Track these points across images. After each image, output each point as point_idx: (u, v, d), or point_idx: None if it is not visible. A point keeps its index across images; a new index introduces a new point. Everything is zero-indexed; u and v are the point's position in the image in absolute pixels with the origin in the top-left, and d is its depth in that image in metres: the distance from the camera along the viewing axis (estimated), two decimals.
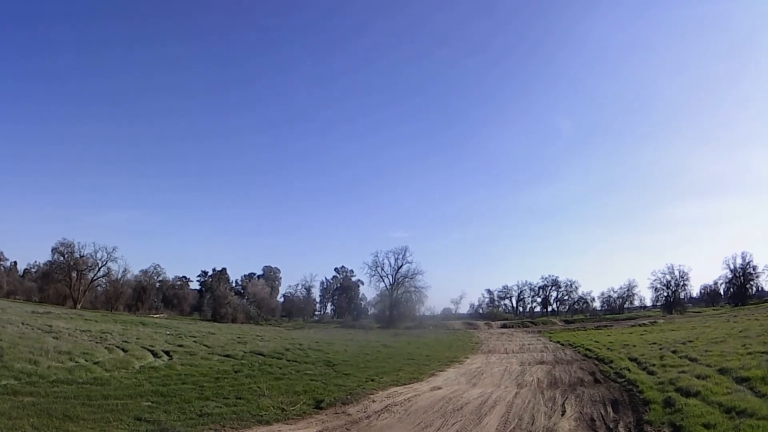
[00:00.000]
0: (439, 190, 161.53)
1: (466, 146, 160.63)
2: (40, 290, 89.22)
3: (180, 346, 24.06)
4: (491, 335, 54.94)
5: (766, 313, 48.19)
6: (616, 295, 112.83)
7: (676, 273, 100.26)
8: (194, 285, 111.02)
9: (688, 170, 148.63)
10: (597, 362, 22.44)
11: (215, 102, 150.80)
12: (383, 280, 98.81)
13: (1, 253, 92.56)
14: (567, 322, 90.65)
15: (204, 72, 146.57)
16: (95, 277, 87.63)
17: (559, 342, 37.70)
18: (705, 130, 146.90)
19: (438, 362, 24.78)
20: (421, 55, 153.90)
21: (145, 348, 21.83)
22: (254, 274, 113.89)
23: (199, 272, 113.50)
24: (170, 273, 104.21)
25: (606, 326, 59.88)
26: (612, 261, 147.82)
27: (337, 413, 12.54)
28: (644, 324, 57.47)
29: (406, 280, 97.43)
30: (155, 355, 20.55)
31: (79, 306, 79.17)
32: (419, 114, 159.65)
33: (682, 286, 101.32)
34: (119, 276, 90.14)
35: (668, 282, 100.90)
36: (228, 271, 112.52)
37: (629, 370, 18.18)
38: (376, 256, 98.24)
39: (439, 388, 16.74)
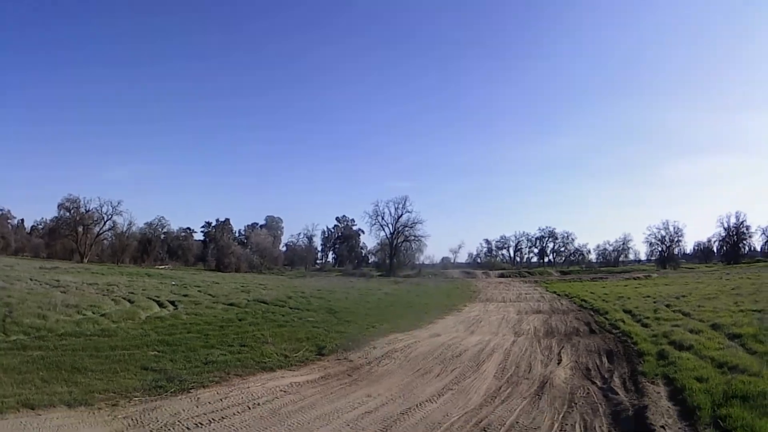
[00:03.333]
0: (440, 144, 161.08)
1: (467, 101, 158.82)
2: (47, 246, 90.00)
3: (185, 295, 24.17)
4: (489, 284, 55.74)
5: (757, 272, 49.08)
6: (611, 248, 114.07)
7: (671, 229, 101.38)
8: (198, 236, 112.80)
9: (689, 129, 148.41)
10: (592, 313, 22.80)
11: (219, 62, 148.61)
12: (383, 229, 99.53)
13: (9, 211, 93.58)
14: (563, 273, 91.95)
15: (208, 32, 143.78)
16: (101, 231, 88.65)
17: (555, 292, 38.22)
18: (707, 90, 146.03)
19: (437, 310, 25.15)
20: (425, 17, 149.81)
21: (150, 299, 21.98)
22: (257, 224, 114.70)
23: (203, 223, 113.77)
24: (175, 225, 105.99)
25: (601, 278, 60.67)
26: (609, 215, 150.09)
27: (338, 359, 12.79)
28: (638, 278, 58.46)
29: (406, 228, 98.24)
30: (161, 305, 20.67)
31: (85, 260, 79.43)
32: (423, 71, 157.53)
33: (677, 242, 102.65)
34: (124, 229, 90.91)
35: (663, 237, 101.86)
36: (231, 222, 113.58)
37: (624, 321, 18.46)
38: (377, 205, 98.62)
39: (438, 335, 17.05)
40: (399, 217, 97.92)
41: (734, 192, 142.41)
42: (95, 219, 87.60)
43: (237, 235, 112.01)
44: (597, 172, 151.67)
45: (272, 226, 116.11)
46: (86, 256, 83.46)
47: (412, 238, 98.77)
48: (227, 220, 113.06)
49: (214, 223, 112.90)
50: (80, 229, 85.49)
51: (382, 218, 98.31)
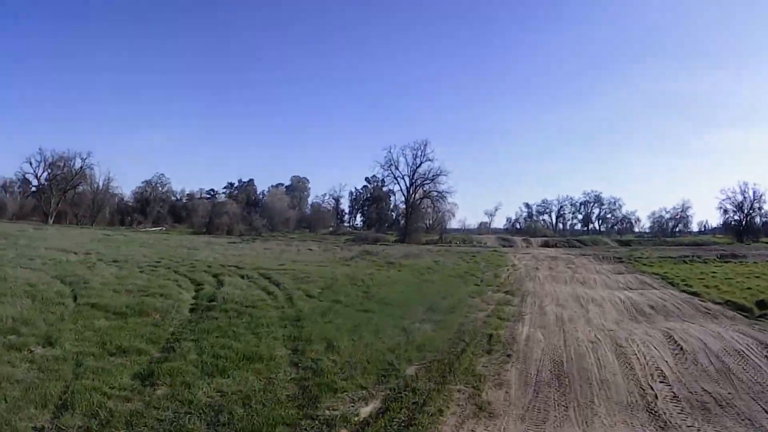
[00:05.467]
0: (476, 104, 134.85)
1: (504, 60, 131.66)
2: (33, 208, 74.50)
3: None
4: (536, 260, 29.77)
5: None
6: (668, 216, 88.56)
7: (750, 194, 73.31)
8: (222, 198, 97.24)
9: (734, 99, 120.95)
10: None
11: (244, 17, 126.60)
12: (397, 182, 74.08)
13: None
14: (621, 243, 65.98)
15: None
16: (68, 187, 70.96)
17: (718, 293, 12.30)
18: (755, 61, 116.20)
19: None
20: None
21: None
22: (282, 184, 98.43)
23: (225, 184, 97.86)
24: (195, 186, 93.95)
25: (733, 257, 32.95)
26: (653, 183, 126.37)
27: None
28: None
29: (426, 182, 71.91)
30: None
31: (50, 221, 64.21)
32: (455, 30, 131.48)
33: (759, 209, 75.41)
34: (100, 185, 74.51)
35: (740, 204, 73.78)
36: (255, 183, 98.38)
37: None
38: (389, 151, 72.64)
39: None
40: (417, 167, 71.63)
41: None
42: (63, 173, 70.82)
43: (261, 196, 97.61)
44: (640, 138, 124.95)
45: (298, 187, 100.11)
46: (51, 216, 67.31)
47: (435, 193, 72.54)
48: (251, 180, 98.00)
49: (236, 184, 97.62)
50: (47, 185, 70.44)
51: (396, 168, 72.49)
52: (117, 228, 64.66)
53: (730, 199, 75.19)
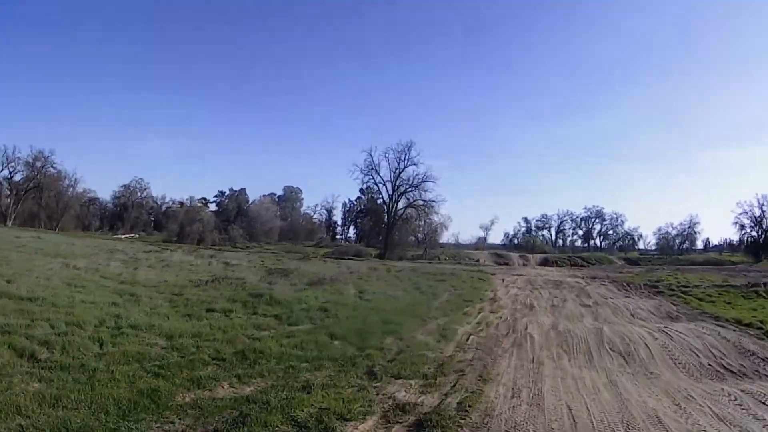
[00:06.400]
0: (474, 119, 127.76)
1: (503, 74, 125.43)
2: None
3: None
4: (532, 287, 19.70)
5: None
6: (674, 233, 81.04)
7: None
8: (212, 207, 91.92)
9: (735, 116, 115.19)
10: None
11: (240, 26, 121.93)
12: (379, 189, 64.25)
13: None
14: (629, 261, 56.58)
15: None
16: (28, 187, 63.57)
17: None
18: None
19: None
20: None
21: None
22: (274, 194, 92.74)
23: (216, 192, 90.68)
24: (188, 194, 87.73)
25: None
26: (655, 198, 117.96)
27: None
28: None
29: (410, 189, 61.68)
30: None
31: (9, 223, 58.28)
32: (456, 40, 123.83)
33: None
34: (67, 186, 68.46)
35: (759, 218, 64.73)
36: (248, 191, 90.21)
37: None
38: (370, 153, 62.71)
39: None
40: (400, 172, 61.43)
41: None
42: (24, 172, 64.48)
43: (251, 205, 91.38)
44: (641, 154, 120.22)
45: (290, 197, 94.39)
46: (10, 218, 60.23)
47: (420, 202, 62.05)
48: (242, 189, 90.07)
49: (227, 193, 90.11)
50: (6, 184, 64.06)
51: (377, 173, 62.48)
52: (77, 233, 56.29)
53: (747, 213, 65.75)
